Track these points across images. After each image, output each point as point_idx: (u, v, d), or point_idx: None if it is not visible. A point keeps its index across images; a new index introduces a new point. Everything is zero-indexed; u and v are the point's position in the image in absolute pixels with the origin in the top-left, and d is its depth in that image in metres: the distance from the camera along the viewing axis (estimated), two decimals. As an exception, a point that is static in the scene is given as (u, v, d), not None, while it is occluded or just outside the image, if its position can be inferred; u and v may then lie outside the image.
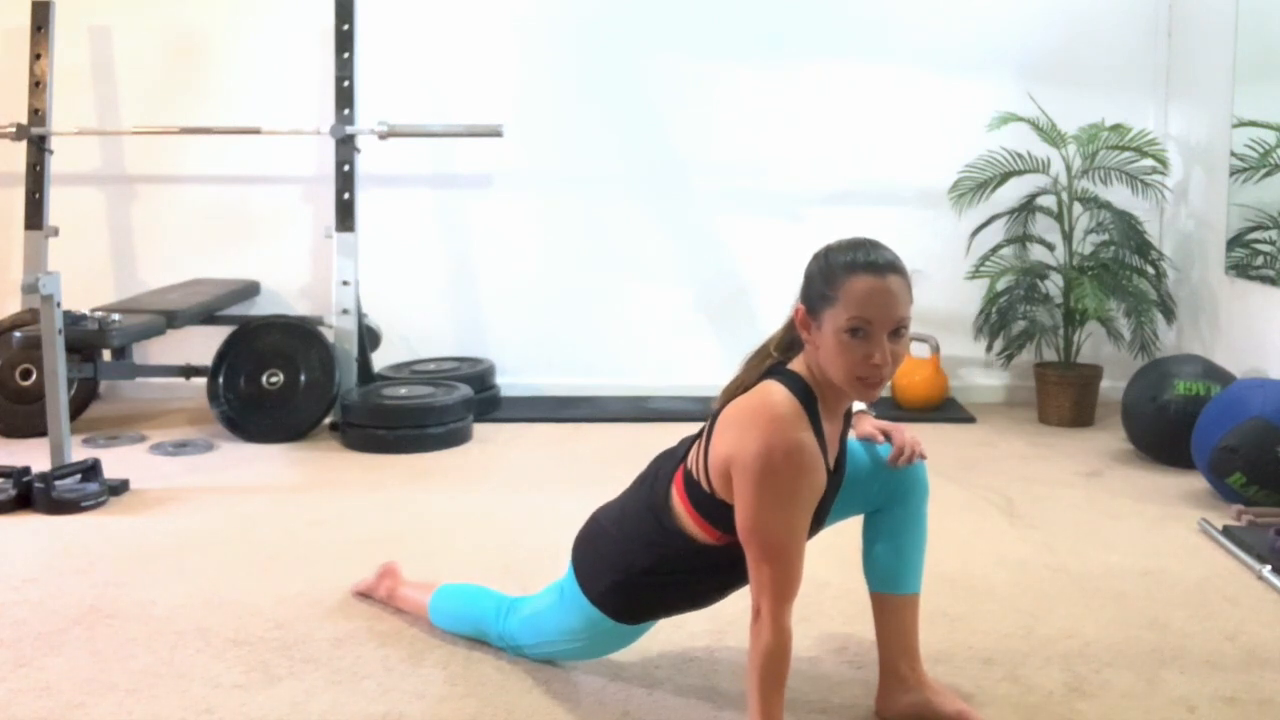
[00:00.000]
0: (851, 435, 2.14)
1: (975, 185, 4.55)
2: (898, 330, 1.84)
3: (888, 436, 2.15)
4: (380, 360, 4.74)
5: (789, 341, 1.98)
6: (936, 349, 4.67)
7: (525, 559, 2.92)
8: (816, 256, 1.93)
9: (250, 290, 4.80)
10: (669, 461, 2.09)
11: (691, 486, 1.98)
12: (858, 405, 2.18)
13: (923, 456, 2.14)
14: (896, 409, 4.53)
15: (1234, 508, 3.24)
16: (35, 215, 4.61)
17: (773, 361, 1.96)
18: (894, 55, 4.76)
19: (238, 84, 4.79)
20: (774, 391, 1.88)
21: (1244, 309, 4.13)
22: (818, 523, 1.96)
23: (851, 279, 1.83)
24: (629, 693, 2.22)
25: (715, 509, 1.94)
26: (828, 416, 1.93)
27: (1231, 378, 3.85)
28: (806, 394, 1.88)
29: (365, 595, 2.68)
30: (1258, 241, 4.09)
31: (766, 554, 1.84)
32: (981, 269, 4.57)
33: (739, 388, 1.96)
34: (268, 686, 2.24)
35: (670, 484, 2.03)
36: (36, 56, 4.61)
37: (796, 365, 1.94)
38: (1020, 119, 4.45)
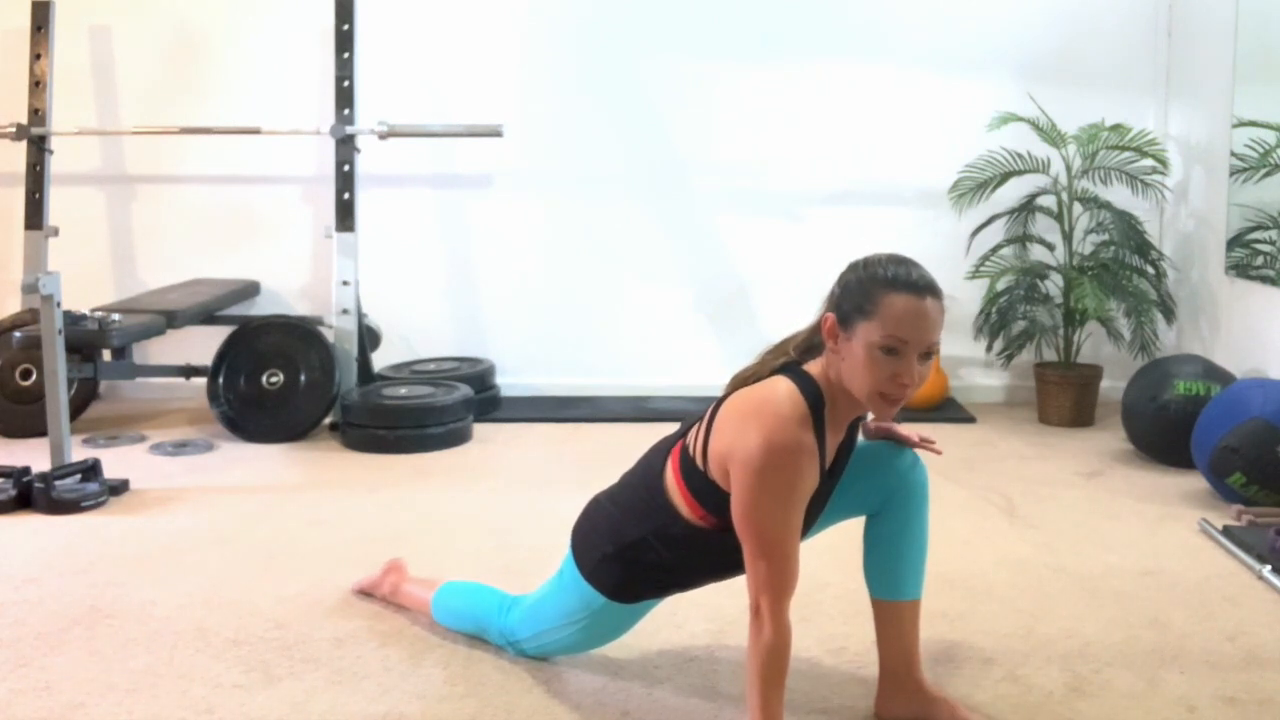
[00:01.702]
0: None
1: (975, 185, 4.55)
2: (928, 353, 1.85)
3: (893, 437, 2.15)
4: (380, 360, 4.74)
5: (810, 345, 1.97)
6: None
7: (525, 559, 2.92)
8: (854, 267, 1.91)
9: (250, 290, 4.80)
10: (668, 440, 2.10)
11: (686, 464, 1.99)
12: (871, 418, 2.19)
13: (928, 445, 2.13)
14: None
15: (1234, 508, 3.24)
16: (35, 215, 4.61)
17: (788, 360, 1.96)
18: (894, 55, 4.76)
19: (238, 84, 4.79)
20: (781, 388, 1.88)
21: (1244, 309, 4.13)
22: (808, 524, 1.97)
23: (891, 296, 1.83)
24: (629, 693, 2.22)
25: (707, 489, 1.95)
26: (833, 425, 1.93)
27: (1231, 378, 3.85)
28: (816, 397, 1.88)
29: (367, 593, 2.68)
30: (1258, 241, 4.09)
31: (763, 549, 1.84)
32: (981, 269, 4.57)
33: (750, 378, 1.96)
34: (268, 686, 2.24)
35: (666, 460, 2.05)
36: (36, 56, 4.61)
37: (812, 368, 1.93)
38: (1020, 119, 4.45)
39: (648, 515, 2.04)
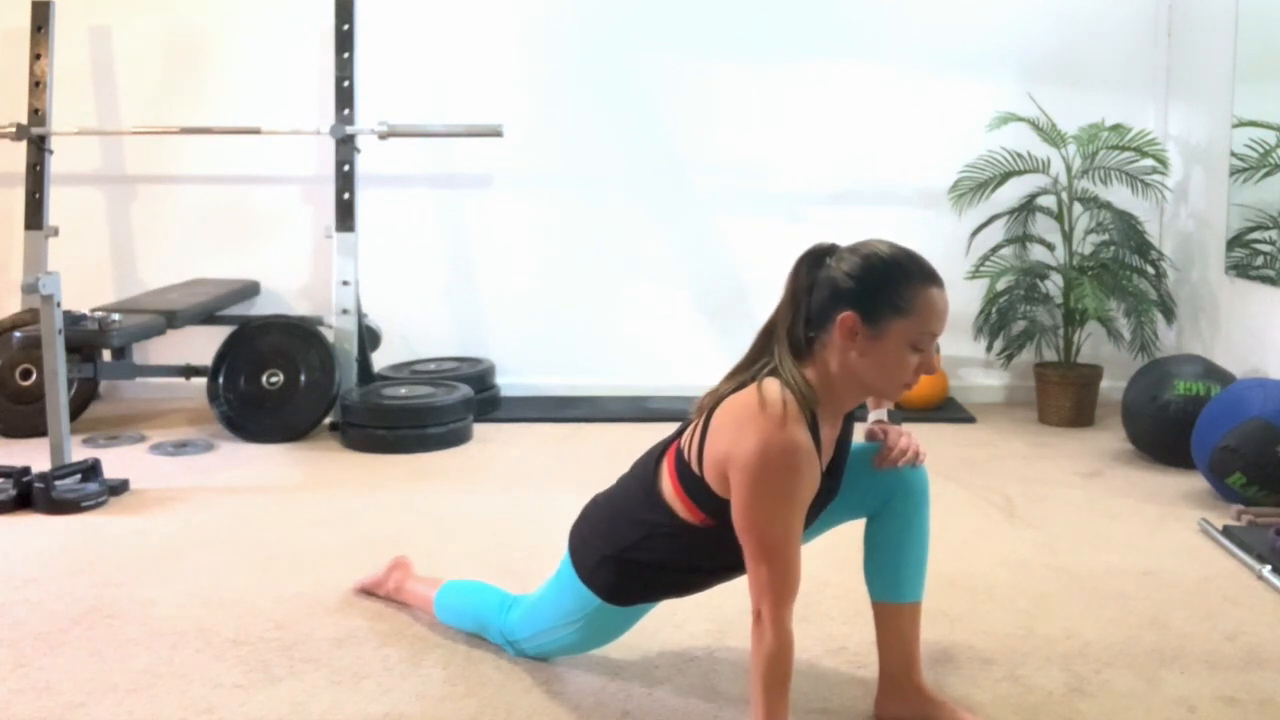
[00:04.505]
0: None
1: (975, 185, 4.55)
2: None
3: (885, 436, 2.14)
4: (380, 360, 4.74)
5: (795, 344, 1.91)
6: (936, 349, 4.65)
7: (525, 559, 2.92)
8: (872, 262, 1.86)
9: (250, 290, 4.80)
10: (663, 442, 2.09)
11: (682, 466, 1.97)
12: (874, 414, 2.18)
13: (914, 463, 2.10)
14: (896, 408, 4.52)
15: (1234, 508, 3.24)
16: (35, 215, 4.61)
17: (772, 364, 1.92)
18: (894, 55, 4.76)
19: (238, 84, 4.79)
20: (773, 389, 1.85)
21: (1244, 309, 4.13)
22: (808, 523, 1.95)
23: (927, 291, 1.85)
24: (629, 693, 2.22)
25: (702, 491, 1.94)
26: (826, 421, 1.92)
27: (1231, 378, 3.85)
28: (809, 397, 1.86)
29: (369, 592, 2.69)
30: (1258, 241, 4.09)
31: (764, 553, 1.83)
32: (981, 269, 4.57)
33: (739, 375, 1.93)
34: (268, 686, 2.24)
35: (661, 461, 2.04)
36: (36, 56, 4.61)
37: (802, 366, 1.90)
38: (1020, 119, 4.45)
39: (645, 517, 2.03)
